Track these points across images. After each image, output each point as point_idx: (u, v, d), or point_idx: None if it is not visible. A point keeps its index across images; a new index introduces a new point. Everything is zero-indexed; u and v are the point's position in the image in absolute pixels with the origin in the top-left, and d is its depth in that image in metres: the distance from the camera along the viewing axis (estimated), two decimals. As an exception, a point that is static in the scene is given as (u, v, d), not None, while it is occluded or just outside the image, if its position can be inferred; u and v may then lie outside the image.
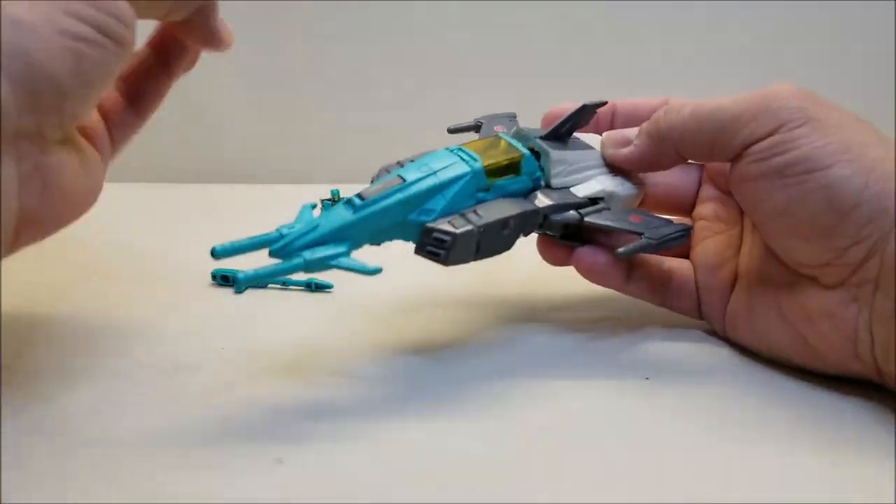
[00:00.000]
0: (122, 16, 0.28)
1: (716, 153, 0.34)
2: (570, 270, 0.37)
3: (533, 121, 0.42)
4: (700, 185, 0.41)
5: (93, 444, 0.29)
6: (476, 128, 0.42)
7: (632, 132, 0.37)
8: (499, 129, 0.41)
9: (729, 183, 0.35)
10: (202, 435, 0.30)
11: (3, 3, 0.26)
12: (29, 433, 0.29)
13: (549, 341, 0.37)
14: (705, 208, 0.40)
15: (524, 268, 0.44)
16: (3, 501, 0.25)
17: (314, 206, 0.33)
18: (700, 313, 0.38)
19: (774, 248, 0.34)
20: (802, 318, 0.33)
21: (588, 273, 0.37)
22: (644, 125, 0.37)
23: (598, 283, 0.37)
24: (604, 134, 0.38)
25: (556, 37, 0.77)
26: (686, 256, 0.40)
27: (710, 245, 0.39)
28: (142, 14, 0.30)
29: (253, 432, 0.30)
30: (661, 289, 0.38)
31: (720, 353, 0.36)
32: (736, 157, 0.33)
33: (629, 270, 0.37)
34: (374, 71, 0.82)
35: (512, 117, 0.43)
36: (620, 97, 0.41)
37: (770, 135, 0.32)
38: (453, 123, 0.42)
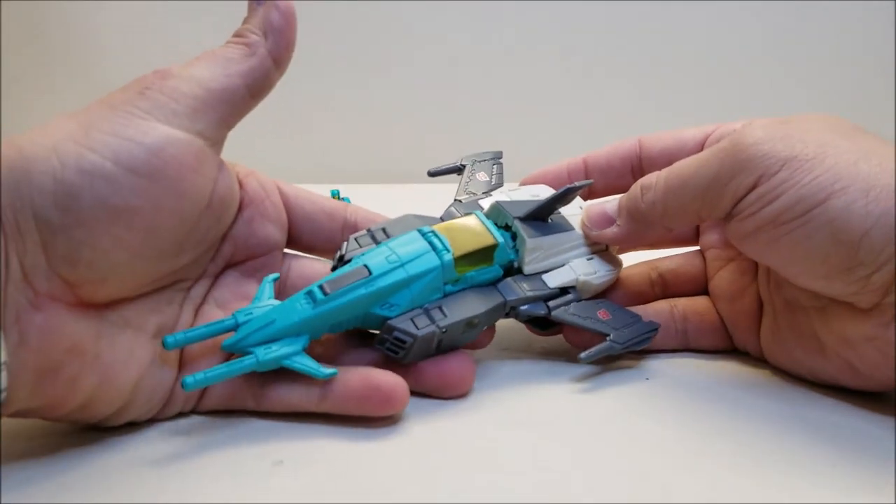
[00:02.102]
0: None
1: (704, 217, 0.33)
2: None
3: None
4: None
5: (92, 445, 0.29)
6: (459, 170, 0.40)
7: (611, 206, 0.36)
8: (481, 176, 0.40)
9: (730, 240, 0.33)
10: (202, 436, 0.30)
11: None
12: (28, 434, 0.29)
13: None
14: (711, 236, 0.39)
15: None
16: (3, 502, 0.25)
17: (276, 279, 0.32)
18: (733, 345, 0.37)
19: (802, 287, 0.32)
20: (843, 344, 0.31)
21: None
22: (623, 201, 0.35)
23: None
24: (583, 212, 0.37)
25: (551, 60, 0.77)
26: (704, 290, 0.39)
27: (726, 275, 0.37)
28: None
29: (253, 434, 0.30)
30: (676, 334, 0.37)
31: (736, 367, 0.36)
32: (727, 217, 0.32)
33: None
34: (376, 72, 0.82)
35: (497, 157, 0.41)
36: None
37: (752, 188, 0.30)
38: (434, 166, 0.40)
